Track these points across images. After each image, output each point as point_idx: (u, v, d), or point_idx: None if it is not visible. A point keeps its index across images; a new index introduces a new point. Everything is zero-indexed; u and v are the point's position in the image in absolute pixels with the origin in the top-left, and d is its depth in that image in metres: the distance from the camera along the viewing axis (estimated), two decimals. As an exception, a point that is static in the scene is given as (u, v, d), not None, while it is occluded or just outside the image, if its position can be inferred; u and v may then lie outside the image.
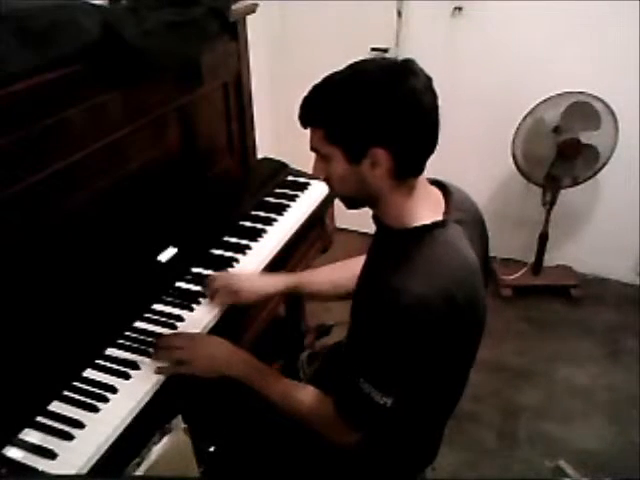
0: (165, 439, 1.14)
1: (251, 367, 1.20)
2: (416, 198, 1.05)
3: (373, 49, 2.70)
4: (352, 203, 1.11)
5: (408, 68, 0.98)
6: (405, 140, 0.98)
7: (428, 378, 1.05)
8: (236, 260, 1.53)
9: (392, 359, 1.01)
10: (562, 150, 2.44)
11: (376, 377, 1.02)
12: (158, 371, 1.17)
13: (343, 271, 1.44)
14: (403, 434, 1.16)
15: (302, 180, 1.88)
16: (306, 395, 1.15)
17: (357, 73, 1.00)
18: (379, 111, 0.96)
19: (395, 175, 1.01)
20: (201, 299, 1.38)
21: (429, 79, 0.99)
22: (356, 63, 1.02)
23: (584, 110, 2.38)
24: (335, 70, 1.02)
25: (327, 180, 1.08)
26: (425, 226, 1.03)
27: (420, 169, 1.04)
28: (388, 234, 1.09)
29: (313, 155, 1.08)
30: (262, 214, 1.71)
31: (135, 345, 1.23)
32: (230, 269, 1.49)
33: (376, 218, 1.12)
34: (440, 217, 1.05)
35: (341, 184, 1.06)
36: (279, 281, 1.42)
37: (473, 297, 1.04)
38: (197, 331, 1.29)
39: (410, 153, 1.00)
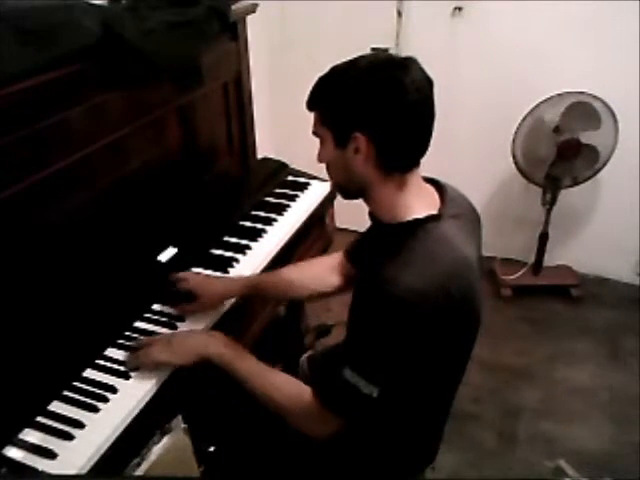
0: (165, 439, 1.14)
1: (228, 346, 1.18)
2: (409, 193, 1.06)
3: (373, 49, 2.70)
4: (345, 191, 1.13)
5: (402, 64, 1.00)
6: (384, 130, 1.00)
7: (416, 370, 1.05)
8: (236, 260, 1.53)
9: (380, 348, 1.01)
10: (562, 150, 2.44)
11: (365, 367, 1.02)
12: (136, 364, 1.18)
13: (306, 271, 1.45)
14: (390, 428, 1.16)
15: (302, 180, 1.88)
16: (284, 382, 1.15)
17: (355, 61, 1.04)
18: (363, 96, 0.99)
19: (380, 166, 1.03)
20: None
21: (427, 80, 1.01)
22: (361, 55, 1.05)
23: (584, 110, 2.38)
24: None
25: (326, 165, 1.11)
26: (418, 220, 1.04)
27: (407, 164, 1.05)
28: (382, 229, 1.10)
29: (313, 155, 1.11)
30: (262, 214, 1.71)
31: (135, 345, 1.23)
32: (216, 272, 1.48)
33: (371, 215, 1.13)
34: (435, 212, 1.06)
35: (333, 169, 1.10)
36: (234, 284, 1.42)
37: (468, 291, 1.04)
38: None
39: (391, 145, 1.01)
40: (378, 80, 0.99)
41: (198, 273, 1.45)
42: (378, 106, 0.99)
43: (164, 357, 1.17)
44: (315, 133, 1.09)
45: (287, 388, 1.13)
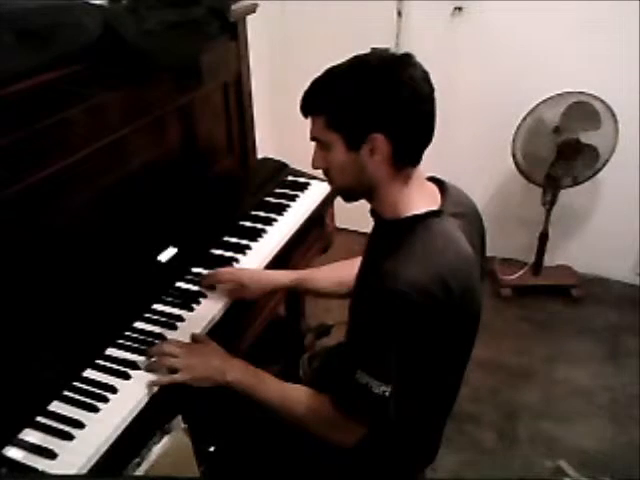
0: (165, 439, 1.14)
1: (246, 373, 1.18)
2: (412, 190, 1.07)
3: (373, 49, 2.70)
4: (350, 195, 1.12)
5: (406, 59, 1.02)
6: (403, 126, 1.00)
7: (424, 364, 1.05)
8: (236, 260, 1.53)
9: (387, 345, 1.01)
10: (562, 150, 2.44)
11: (373, 365, 1.02)
12: (151, 383, 1.13)
13: (347, 269, 1.44)
14: (403, 427, 1.16)
15: (302, 180, 1.88)
16: (303, 396, 1.15)
17: (358, 62, 1.04)
18: (378, 97, 0.99)
19: (393, 162, 1.03)
20: (201, 299, 1.38)
21: (426, 72, 1.03)
22: (357, 55, 1.05)
23: (584, 110, 2.38)
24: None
25: (326, 171, 1.10)
26: (419, 215, 1.05)
27: (417, 158, 1.06)
28: (384, 225, 1.11)
29: (312, 154, 1.09)
30: (262, 214, 1.71)
31: (135, 345, 1.23)
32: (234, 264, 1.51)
33: (373, 212, 1.13)
34: (436, 208, 1.07)
35: (340, 173, 1.07)
36: (283, 276, 1.45)
37: (468, 287, 1.05)
38: (197, 331, 1.29)
39: (408, 140, 1.02)
40: (392, 78, 0.99)
41: (244, 269, 1.48)
42: (396, 105, 0.99)
43: (180, 378, 1.15)
44: (316, 139, 1.07)
45: (307, 402, 1.13)
